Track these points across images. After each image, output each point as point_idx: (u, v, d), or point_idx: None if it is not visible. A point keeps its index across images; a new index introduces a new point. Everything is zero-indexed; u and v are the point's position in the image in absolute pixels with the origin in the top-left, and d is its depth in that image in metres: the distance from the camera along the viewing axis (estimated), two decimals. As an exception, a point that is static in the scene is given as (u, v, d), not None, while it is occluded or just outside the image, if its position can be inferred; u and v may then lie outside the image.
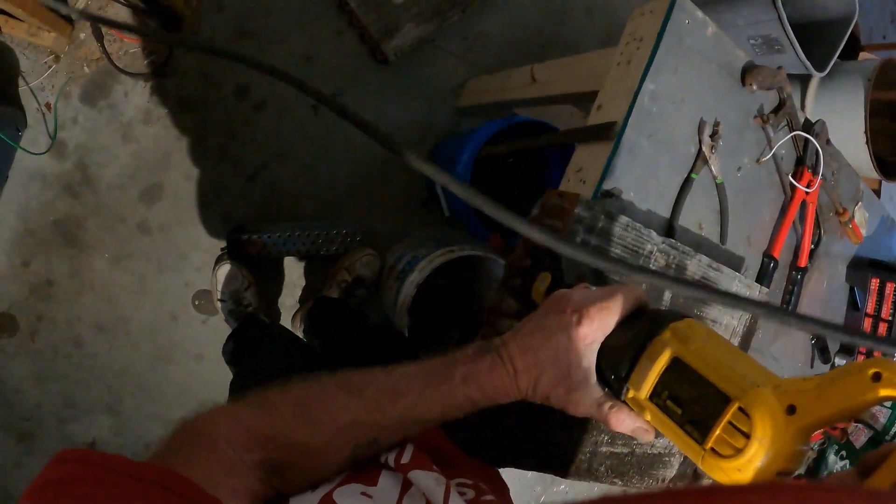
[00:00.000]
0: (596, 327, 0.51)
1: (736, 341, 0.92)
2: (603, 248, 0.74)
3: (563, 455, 0.76)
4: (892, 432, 1.10)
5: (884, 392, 0.38)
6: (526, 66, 1.34)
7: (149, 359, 1.55)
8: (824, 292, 1.14)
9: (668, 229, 0.88)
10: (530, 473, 0.93)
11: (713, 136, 0.87)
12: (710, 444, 0.44)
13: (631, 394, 0.50)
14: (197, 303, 1.55)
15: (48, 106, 1.35)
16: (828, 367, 1.20)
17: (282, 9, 1.51)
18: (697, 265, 0.83)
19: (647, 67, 0.84)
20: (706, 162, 0.87)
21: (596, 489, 1.01)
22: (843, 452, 1.19)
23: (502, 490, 0.67)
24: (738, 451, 0.42)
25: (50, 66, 1.34)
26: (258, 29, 1.50)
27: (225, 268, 1.45)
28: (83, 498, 0.33)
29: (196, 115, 1.49)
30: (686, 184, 0.87)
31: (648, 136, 0.85)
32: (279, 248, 1.51)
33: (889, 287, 1.09)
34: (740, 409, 0.43)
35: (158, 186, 1.49)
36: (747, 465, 0.41)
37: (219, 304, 1.48)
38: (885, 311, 1.10)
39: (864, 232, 1.12)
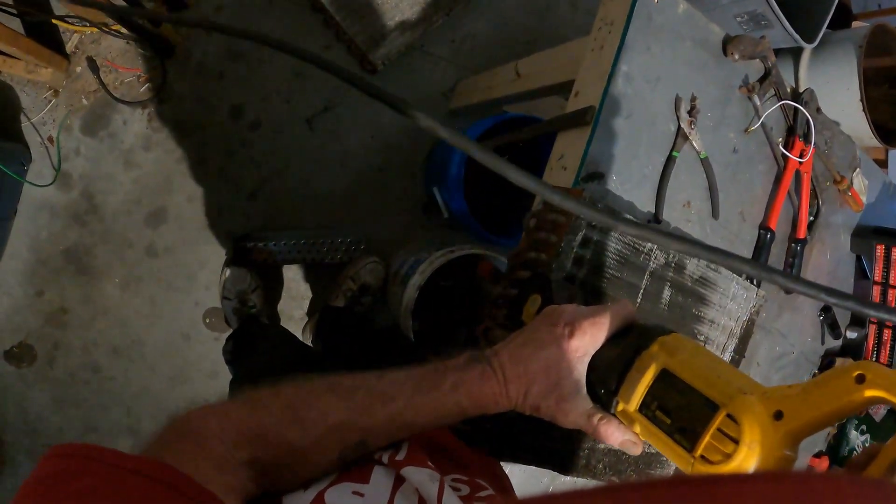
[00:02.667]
0: (587, 341, 0.52)
1: (733, 343, 0.91)
2: (603, 243, 0.74)
3: (561, 451, 0.76)
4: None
5: (869, 393, 0.39)
6: (511, 63, 1.35)
7: (165, 379, 1.58)
8: (829, 263, 1.12)
9: (655, 210, 0.87)
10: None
11: (691, 111, 0.87)
12: (699, 452, 0.44)
13: (621, 406, 0.51)
14: (208, 321, 1.58)
15: (50, 139, 1.40)
16: (839, 341, 1.17)
17: (269, 29, 1.54)
18: (696, 265, 0.83)
19: (618, 50, 0.84)
20: (687, 138, 0.87)
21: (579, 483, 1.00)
22: (864, 427, 1.16)
23: (502, 483, 0.67)
24: (728, 457, 0.42)
25: (50, 101, 1.39)
26: (247, 50, 1.53)
27: (232, 270, 1.48)
28: (80, 492, 0.33)
29: (194, 137, 1.52)
30: (669, 162, 0.87)
31: (626, 118, 0.85)
32: (284, 256, 1.53)
33: (895, 252, 1.07)
34: (728, 415, 0.43)
35: (163, 210, 1.53)
36: (737, 470, 0.42)
37: (223, 303, 1.51)
38: (894, 277, 1.08)
39: (864, 199, 1.10)
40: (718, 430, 0.43)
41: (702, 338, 0.85)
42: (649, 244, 0.77)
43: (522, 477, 0.94)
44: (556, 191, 0.46)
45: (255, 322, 1.49)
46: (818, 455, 1.14)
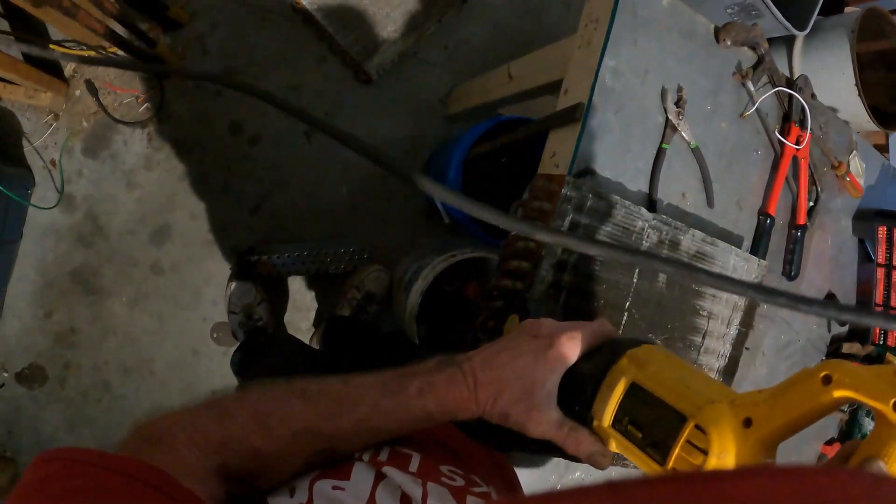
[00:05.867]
0: (564, 353, 0.52)
1: (738, 316, 0.90)
2: (593, 226, 0.74)
3: None
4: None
5: (837, 394, 0.38)
6: (503, 66, 1.36)
7: (176, 395, 1.59)
8: (831, 249, 1.11)
9: (649, 202, 0.87)
10: (544, 463, 0.93)
11: (678, 102, 0.87)
12: (670, 465, 0.44)
13: (595, 423, 0.51)
14: (215, 335, 1.59)
15: (53, 163, 1.42)
16: (845, 328, 1.16)
17: (264, 45, 1.56)
18: (691, 240, 0.82)
19: (604, 45, 0.84)
20: (675, 129, 0.87)
21: (613, 473, 0.99)
22: (876, 413, 1.15)
23: (510, 480, 0.67)
24: (697, 469, 0.41)
25: (50, 125, 1.41)
26: (243, 66, 1.55)
27: (237, 285, 1.49)
28: (63, 494, 0.34)
29: (194, 155, 1.54)
30: (659, 155, 0.87)
31: (616, 112, 0.85)
32: (288, 268, 1.54)
33: (897, 233, 1.06)
34: (697, 426, 0.42)
35: (166, 228, 1.54)
36: None
37: (230, 317, 1.52)
38: (897, 260, 1.07)
39: (862, 182, 1.09)
40: (687, 441, 0.43)
41: (705, 313, 0.84)
42: (640, 223, 0.77)
43: (531, 477, 0.94)
44: (520, 222, 0.46)
45: (263, 333, 1.50)
46: (829, 442, 1.13)
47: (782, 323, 1.07)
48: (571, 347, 0.52)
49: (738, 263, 0.86)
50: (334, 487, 0.44)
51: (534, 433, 0.51)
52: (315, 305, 1.65)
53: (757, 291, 0.41)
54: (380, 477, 0.46)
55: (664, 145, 0.86)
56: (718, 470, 0.41)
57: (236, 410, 0.46)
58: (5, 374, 1.49)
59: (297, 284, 1.64)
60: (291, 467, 0.46)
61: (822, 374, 0.38)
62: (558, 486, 0.95)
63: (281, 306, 1.63)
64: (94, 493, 0.34)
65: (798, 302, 0.40)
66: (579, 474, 0.96)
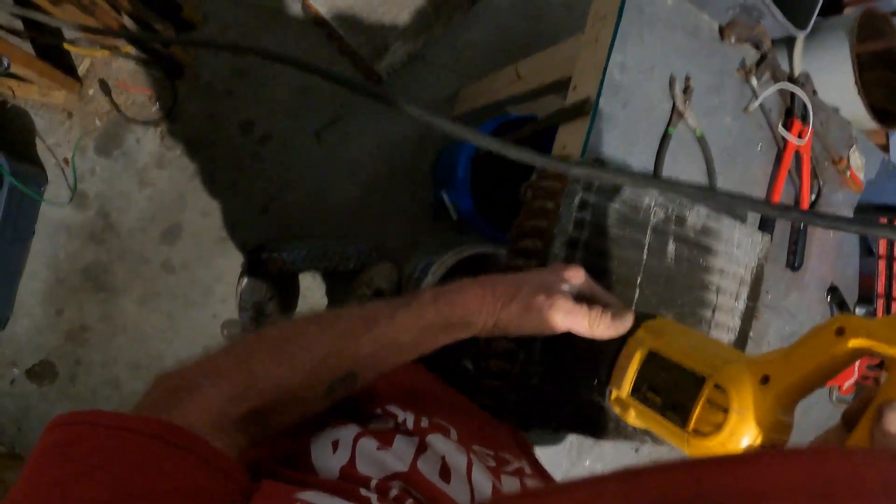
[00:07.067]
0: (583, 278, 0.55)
1: (745, 291, 0.92)
2: (602, 204, 0.76)
3: (589, 415, 0.77)
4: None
5: (852, 343, 0.39)
6: (511, 66, 1.39)
7: (185, 393, 1.60)
8: (833, 241, 1.14)
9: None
10: (556, 448, 0.94)
11: (685, 90, 0.89)
12: (691, 426, 0.45)
13: (614, 394, 0.52)
14: (226, 332, 1.61)
15: (66, 161, 1.44)
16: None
17: (275, 47, 1.58)
18: (697, 216, 0.84)
19: (612, 42, 0.87)
20: (682, 115, 0.89)
21: (627, 459, 1.01)
22: None
23: (532, 455, 0.68)
24: (719, 426, 0.43)
25: (64, 123, 1.43)
26: (253, 68, 1.57)
27: (247, 282, 1.51)
28: (87, 456, 0.33)
29: (206, 154, 1.56)
30: (664, 139, 0.89)
31: (623, 106, 0.87)
32: (298, 266, 1.56)
33: (898, 227, 1.08)
34: (716, 385, 0.44)
35: (177, 226, 1.56)
36: (730, 438, 0.42)
37: (240, 314, 1.53)
38: (898, 251, 1.09)
39: (861, 177, 1.11)
40: (708, 401, 0.44)
41: (713, 287, 0.86)
42: (647, 200, 0.79)
43: (544, 462, 0.95)
44: (542, 155, 0.48)
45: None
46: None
47: (786, 314, 1.09)
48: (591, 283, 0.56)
49: (743, 239, 0.88)
50: (378, 448, 0.44)
51: (556, 320, 0.52)
52: (325, 302, 1.67)
53: (771, 208, 0.43)
54: (422, 448, 0.46)
55: (670, 129, 0.88)
56: (732, 454, 0.41)
57: (256, 347, 0.46)
58: (16, 371, 1.51)
59: (306, 282, 1.66)
60: (315, 398, 0.46)
61: (836, 327, 0.40)
62: (570, 474, 0.96)
63: (291, 303, 1.64)
64: (115, 456, 0.33)
65: (813, 217, 0.42)
66: (588, 463, 0.98)
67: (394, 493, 0.39)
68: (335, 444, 0.44)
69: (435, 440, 0.47)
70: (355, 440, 0.44)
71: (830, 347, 0.40)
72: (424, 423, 0.50)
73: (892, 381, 0.36)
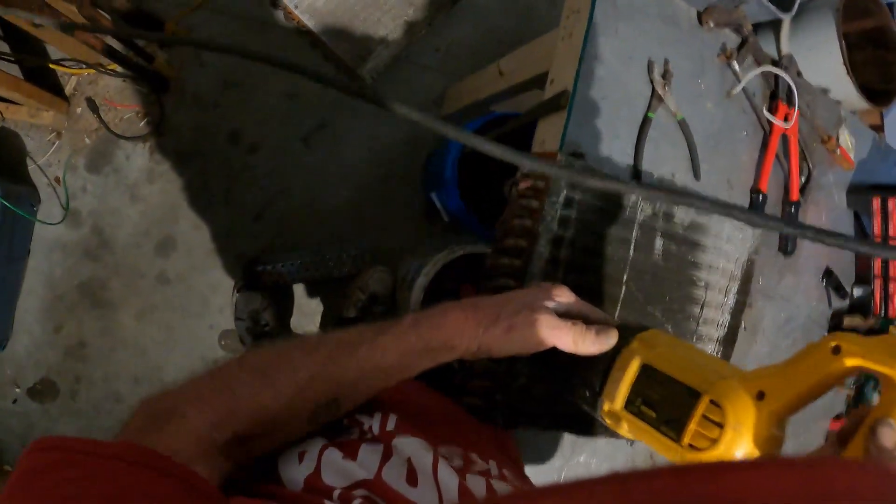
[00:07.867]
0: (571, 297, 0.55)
1: (735, 285, 0.91)
2: (587, 202, 0.75)
3: (579, 413, 0.76)
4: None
5: (848, 362, 0.39)
6: (494, 63, 1.38)
7: (186, 405, 1.61)
8: (825, 223, 1.12)
9: (634, 172, 0.88)
10: (550, 445, 0.93)
11: (664, 74, 0.88)
12: (686, 440, 0.44)
13: (606, 406, 0.52)
14: (223, 342, 1.61)
15: (57, 179, 1.45)
16: (846, 301, 1.16)
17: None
18: (685, 211, 0.83)
19: (586, 35, 0.86)
20: (661, 100, 0.88)
21: (622, 453, 1.00)
22: (882, 387, 1.15)
23: (509, 453, 0.67)
24: (714, 442, 0.43)
25: (53, 143, 1.44)
26: (240, 78, 1.58)
27: (243, 293, 1.52)
28: (60, 483, 0.33)
29: (196, 166, 1.57)
30: (644, 124, 0.88)
31: (602, 98, 0.86)
32: (294, 276, 1.56)
33: (892, 203, 1.06)
34: (711, 401, 0.44)
35: (171, 239, 1.57)
36: (726, 453, 0.42)
37: (236, 324, 1.54)
38: (893, 229, 1.07)
39: (852, 156, 1.10)
40: (703, 416, 0.44)
41: (702, 284, 0.85)
42: (633, 197, 0.78)
43: (537, 461, 0.94)
44: (526, 155, 0.47)
45: (269, 338, 1.52)
46: (837, 417, 1.13)
47: (781, 300, 1.07)
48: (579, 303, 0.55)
49: (733, 233, 0.87)
50: (344, 458, 0.44)
51: (539, 336, 0.51)
52: (321, 309, 1.67)
53: (749, 215, 0.43)
54: (387, 455, 0.46)
55: (650, 114, 0.87)
56: (723, 461, 0.42)
57: (239, 372, 0.46)
58: (17, 390, 1.52)
59: (301, 289, 1.66)
60: (298, 424, 0.46)
61: (832, 345, 0.40)
62: (564, 470, 0.95)
63: (287, 311, 1.65)
64: (87, 483, 0.33)
65: (793, 227, 0.42)
66: (583, 459, 0.97)
67: (357, 501, 0.39)
68: (301, 456, 0.44)
69: (401, 443, 0.47)
70: (321, 451, 0.44)
71: (826, 366, 0.40)
72: (391, 425, 0.50)
73: (886, 400, 0.36)
